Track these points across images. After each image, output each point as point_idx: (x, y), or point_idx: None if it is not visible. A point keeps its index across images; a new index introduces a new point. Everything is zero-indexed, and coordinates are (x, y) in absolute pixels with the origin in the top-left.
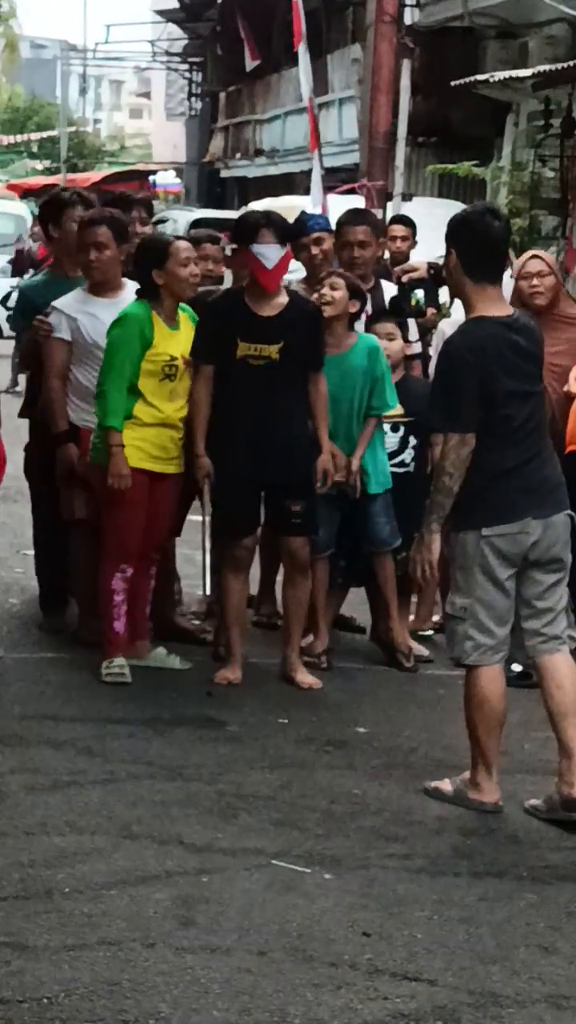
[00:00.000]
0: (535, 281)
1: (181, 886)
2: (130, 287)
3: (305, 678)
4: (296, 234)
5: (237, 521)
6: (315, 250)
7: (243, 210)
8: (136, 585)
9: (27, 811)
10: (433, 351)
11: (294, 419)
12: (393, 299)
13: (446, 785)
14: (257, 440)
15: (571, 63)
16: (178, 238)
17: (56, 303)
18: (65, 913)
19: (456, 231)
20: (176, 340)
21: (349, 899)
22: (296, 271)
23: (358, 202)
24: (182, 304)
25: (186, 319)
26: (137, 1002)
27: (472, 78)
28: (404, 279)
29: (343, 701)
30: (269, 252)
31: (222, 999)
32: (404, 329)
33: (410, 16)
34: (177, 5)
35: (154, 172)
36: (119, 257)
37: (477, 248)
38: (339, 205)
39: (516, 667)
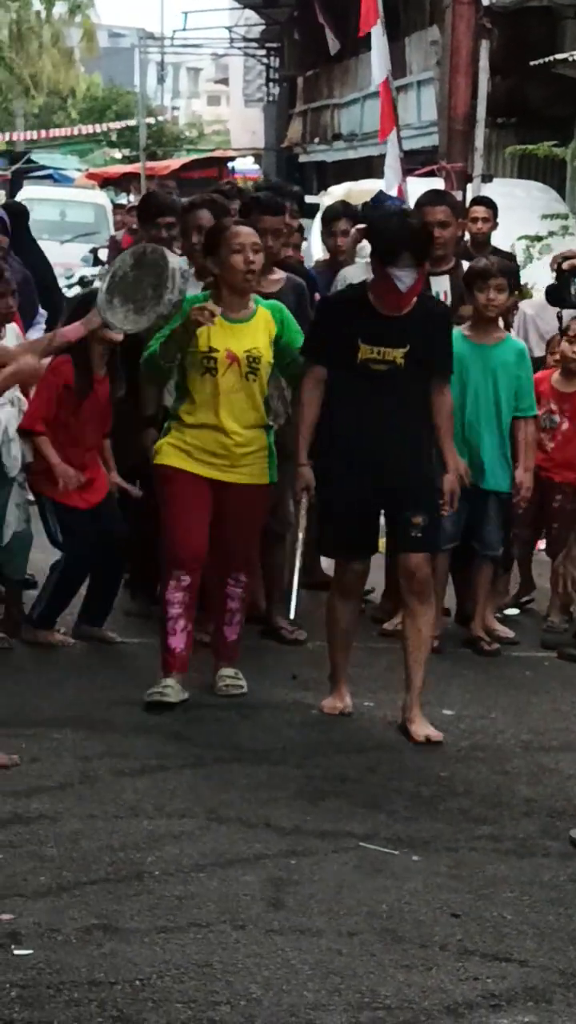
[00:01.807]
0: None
1: (270, 869)
2: None
3: (422, 730)
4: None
5: (349, 542)
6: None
7: (324, 196)
8: (216, 609)
9: (116, 795)
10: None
11: (417, 430)
12: (552, 288)
13: None
14: (375, 451)
15: None
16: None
17: None
18: (155, 896)
19: None
20: (231, 334)
21: (438, 880)
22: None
23: (437, 184)
24: (265, 301)
25: (267, 316)
26: (228, 983)
27: (551, 57)
28: (565, 266)
29: (429, 683)
30: (405, 276)
31: (312, 980)
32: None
33: None
34: None
35: (233, 159)
36: None
37: None
38: (418, 188)
39: None
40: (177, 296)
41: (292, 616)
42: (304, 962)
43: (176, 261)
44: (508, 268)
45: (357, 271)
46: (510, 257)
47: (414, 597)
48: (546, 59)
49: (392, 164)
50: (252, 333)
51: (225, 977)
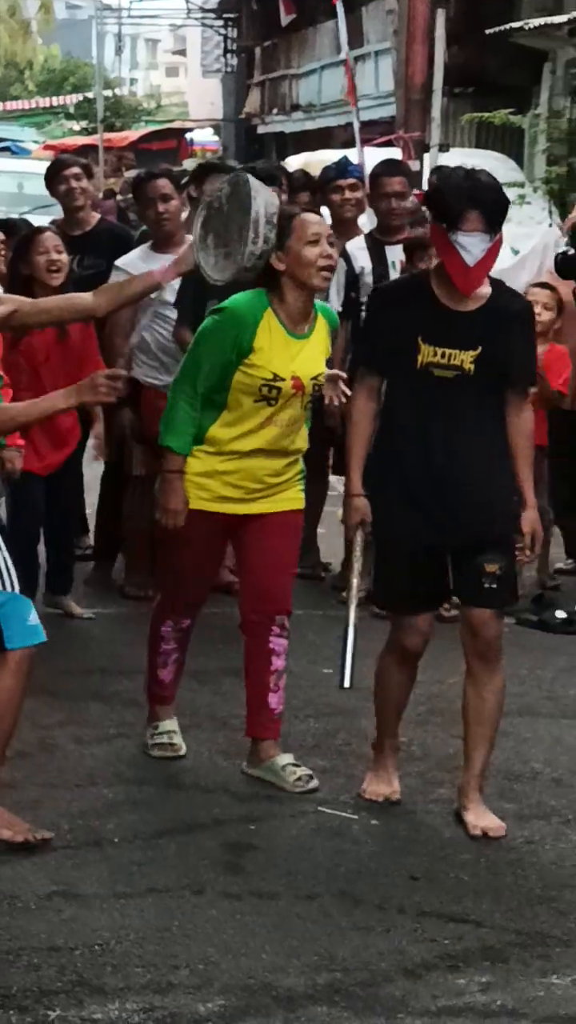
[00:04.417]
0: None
1: (228, 834)
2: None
3: (480, 820)
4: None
5: (410, 593)
6: (348, 194)
7: (292, 163)
8: (255, 668)
9: (76, 763)
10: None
11: (493, 454)
12: (568, 258)
13: None
14: (439, 480)
15: None
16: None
17: (118, 262)
18: (115, 862)
19: None
20: (296, 354)
21: (396, 844)
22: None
23: (395, 154)
24: (321, 304)
25: (323, 324)
26: (186, 947)
27: (508, 26)
28: None
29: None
30: (472, 244)
31: (270, 943)
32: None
33: None
34: None
35: (191, 130)
36: (182, 208)
37: None
38: (375, 157)
39: (560, 613)
40: (261, 246)
41: (348, 684)
42: (262, 925)
43: (263, 200)
44: None
45: (357, 245)
46: None
47: (478, 660)
48: (502, 28)
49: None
50: (316, 352)
51: (183, 941)
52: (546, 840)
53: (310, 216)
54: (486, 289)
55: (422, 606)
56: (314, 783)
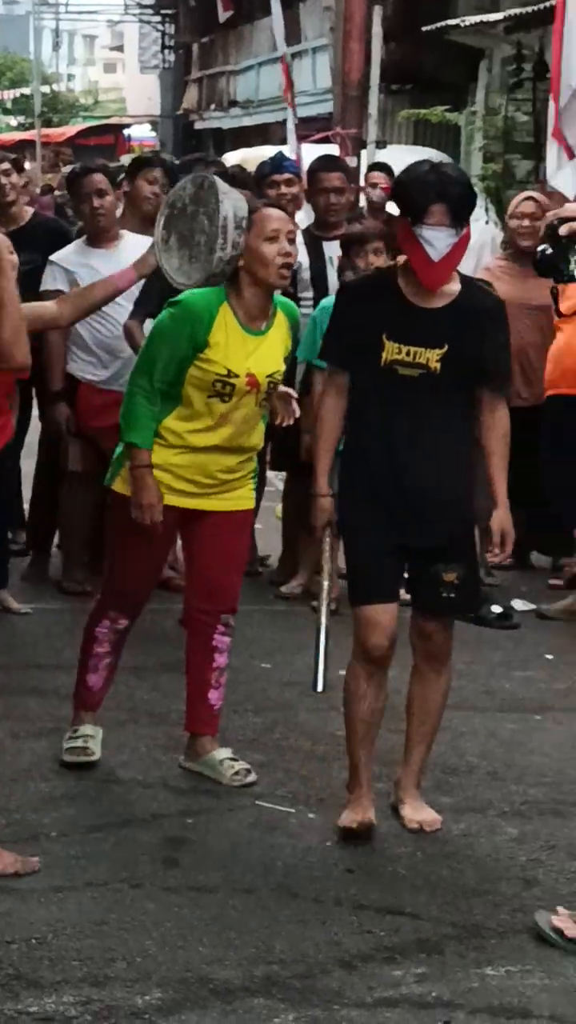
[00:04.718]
0: (526, 222)
1: (166, 828)
2: (128, 238)
3: (415, 814)
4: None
5: (371, 580)
6: (284, 189)
7: (229, 159)
8: (197, 664)
9: (13, 758)
10: None
11: (457, 457)
12: (545, 257)
13: (571, 924)
14: (399, 482)
15: (542, 6)
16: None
17: (53, 257)
18: (52, 856)
19: None
20: (252, 351)
21: (333, 836)
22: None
23: (332, 150)
24: (282, 299)
25: (282, 320)
26: (124, 941)
27: (444, 23)
28: (563, 231)
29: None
30: (437, 238)
31: (207, 936)
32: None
33: None
34: None
35: (129, 126)
36: (117, 203)
37: None
38: (313, 154)
39: (496, 608)
40: (230, 252)
41: (320, 689)
42: (200, 919)
43: (231, 204)
44: (384, 231)
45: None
46: None
47: (426, 662)
48: (439, 25)
49: (292, 130)
50: (273, 349)
51: (121, 934)
52: (481, 833)
53: (271, 211)
54: (455, 285)
55: (385, 594)
56: (252, 777)
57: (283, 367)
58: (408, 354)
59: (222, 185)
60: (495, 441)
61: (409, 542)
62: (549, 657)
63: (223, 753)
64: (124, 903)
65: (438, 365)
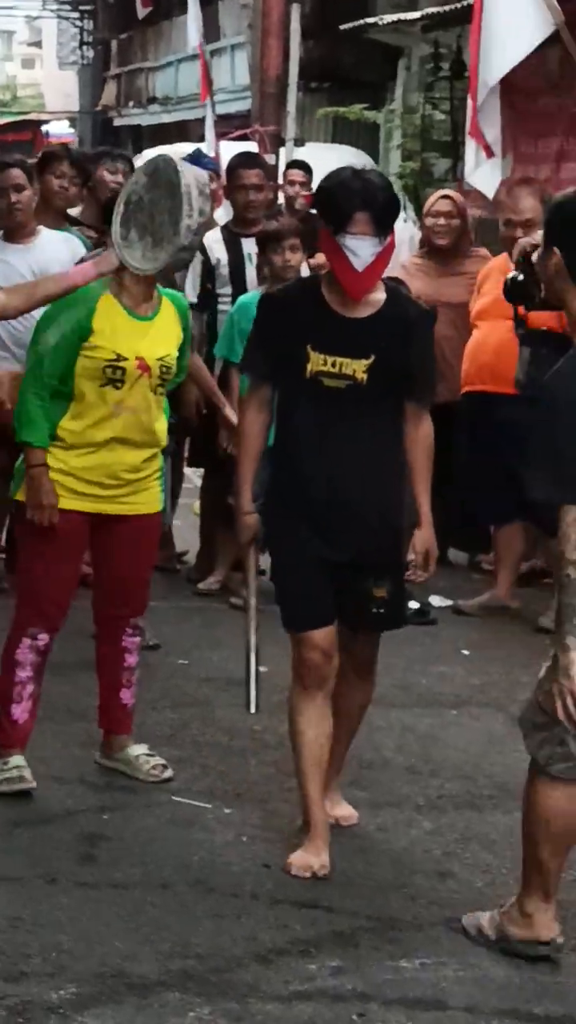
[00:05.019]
0: (442, 221)
1: (83, 824)
2: (45, 234)
3: (333, 810)
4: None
5: (302, 603)
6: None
7: (139, 159)
8: (108, 664)
9: None
10: None
11: (385, 469)
12: (516, 283)
13: (485, 922)
14: (331, 495)
15: (460, 5)
16: None
17: None
18: None
19: (565, 223)
20: (140, 335)
21: (250, 832)
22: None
23: (250, 148)
24: (168, 291)
25: (171, 309)
26: (39, 936)
27: (362, 21)
28: (535, 257)
29: (237, 635)
30: (361, 247)
31: (124, 931)
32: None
33: None
34: None
35: (47, 122)
36: (34, 199)
37: None
38: (232, 151)
39: (413, 604)
40: (197, 219)
41: (253, 710)
42: (116, 914)
43: (192, 174)
44: (299, 228)
45: (213, 238)
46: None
47: (352, 672)
48: (357, 23)
49: (210, 126)
50: (162, 334)
51: (36, 930)
52: (398, 827)
53: None
54: (380, 295)
55: (318, 618)
56: (168, 772)
57: (174, 352)
58: (334, 365)
59: (177, 160)
60: (419, 457)
61: (337, 555)
62: (465, 653)
63: (139, 749)
64: (40, 899)
65: (364, 376)
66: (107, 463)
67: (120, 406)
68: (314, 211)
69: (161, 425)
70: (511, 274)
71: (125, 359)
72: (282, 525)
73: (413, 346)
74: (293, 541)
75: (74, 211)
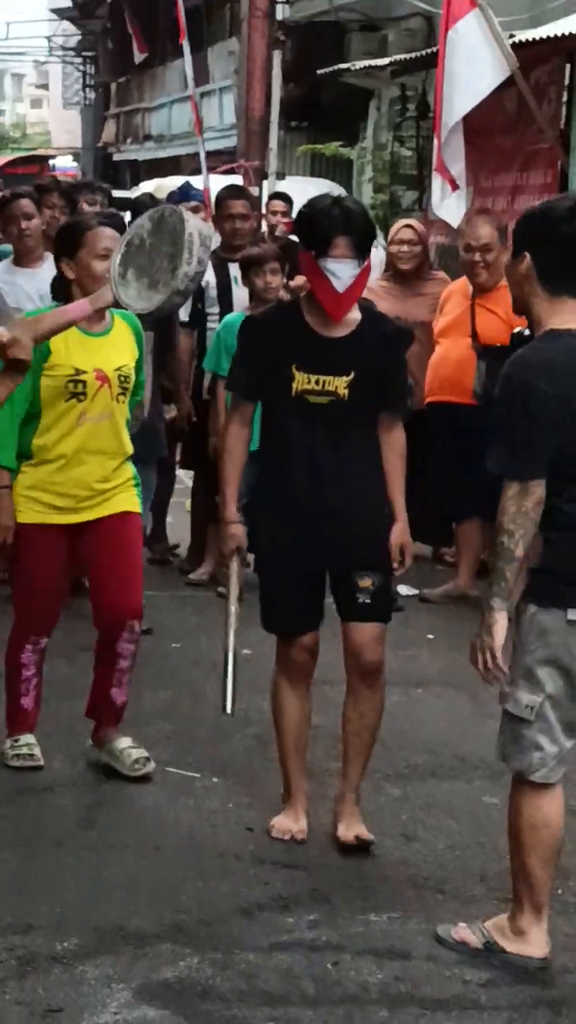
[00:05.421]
0: (405, 248)
1: (84, 793)
2: (51, 260)
3: (350, 830)
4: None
5: (293, 613)
6: None
7: (136, 191)
8: (102, 665)
9: None
10: None
11: (367, 475)
12: (524, 339)
13: (469, 935)
14: (315, 501)
15: (425, 52)
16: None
17: None
18: None
19: (534, 230)
20: (95, 350)
21: (234, 799)
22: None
23: (237, 180)
24: (118, 310)
25: (124, 326)
26: (45, 893)
27: (338, 67)
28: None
29: (216, 619)
30: (341, 270)
31: (120, 889)
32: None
33: (281, 12)
34: (70, 3)
35: (53, 157)
36: (42, 227)
37: (564, 252)
38: (219, 183)
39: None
40: (195, 268)
41: (231, 712)
42: (114, 874)
43: (196, 224)
44: (279, 253)
45: None
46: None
47: (358, 679)
48: (333, 68)
49: (203, 161)
50: (116, 348)
51: (43, 888)
52: (368, 794)
53: (104, 230)
54: (356, 314)
55: (304, 625)
56: (150, 766)
57: (131, 363)
58: (317, 383)
59: (183, 211)
60: (393, 461)
61: (326, 562)
62: (430, 637)
63: (124, 742)
64: (46, 860)
65: (346, 392)
66: (77, 475)
67: (84, 417)
68: (293, 238)
69: (125, 437)
70: (517, 329)
71: (84, 372)
72: (269, 535)
73: (389, 362)
74: (279, 552)
75: None
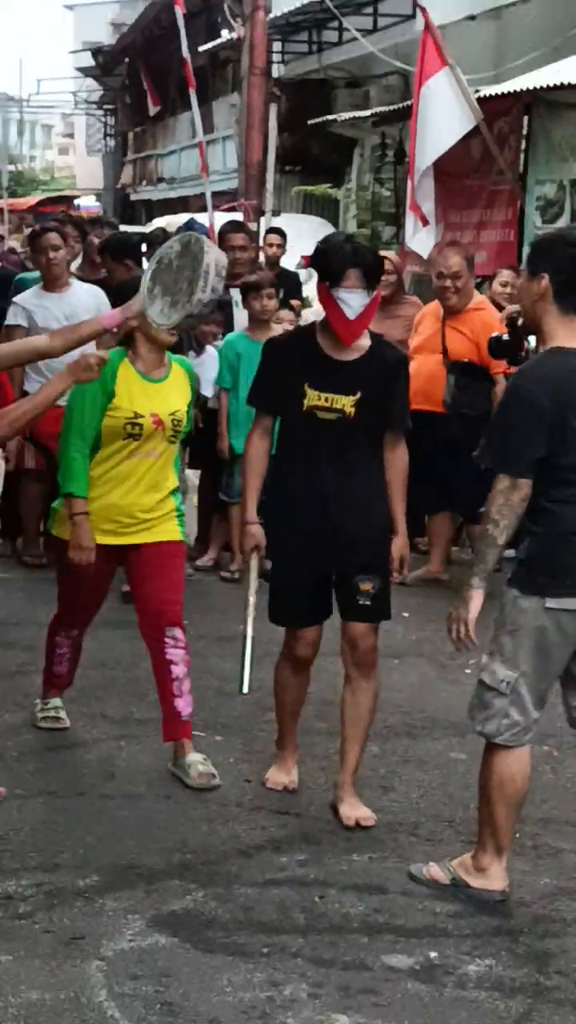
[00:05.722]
0: (382, 277)
1: (104, 749)
2: (76, 285)
3: (353, 812)
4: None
5: (296, 612)
6: None
7: (150, 227)
8: (159, 676)
9: None
10: None
11: (370, 488)
12: (502, 343)
13: (438, 872)
14: (322, 509)
15: (402, 105)
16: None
17: (16, 299)
18: (14, 772)
19: (555, 252)
20: (154, 395)
21: (235, 754)
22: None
23: (237, 217)
24: (176, 356)
25: (180, 372)
26: (69, 836)
27: (326, 118)
28: (521, 322)
29: (233, 604)
30: (353, 299)
31: (135, 832)
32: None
33: (276, 70)
34: (93, 63)
35: (78, 197)
36: (68, 257)
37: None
38: (222, 219)
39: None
40: (209, 295)
41: (247, 691)
42: (129, 819)
43: (215, 256)
44: (275, 281)
45: None
46: (295, 276)
47: (355, 668)
48: (321, 119)
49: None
50: (173, 393)
51: (67, 832)
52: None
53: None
54: (365, 341)
55: (310, 621)
56: (215, 781)
57: (184, 408)
58: (327, 400)
59: (206, 241)
60: (395, 476)
61: (329, 563)
62: (405, 615)
63: (194, 757)
64: (70, 807)
65: (353, 410)
66: (124, 503)
67: (135, 453)
68: (286, 266)
69: (171, 471)
70: (495, 335)
71: (142, 416)
72: (282, 540)
73: (393, 384)
74: (287, 556)
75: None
